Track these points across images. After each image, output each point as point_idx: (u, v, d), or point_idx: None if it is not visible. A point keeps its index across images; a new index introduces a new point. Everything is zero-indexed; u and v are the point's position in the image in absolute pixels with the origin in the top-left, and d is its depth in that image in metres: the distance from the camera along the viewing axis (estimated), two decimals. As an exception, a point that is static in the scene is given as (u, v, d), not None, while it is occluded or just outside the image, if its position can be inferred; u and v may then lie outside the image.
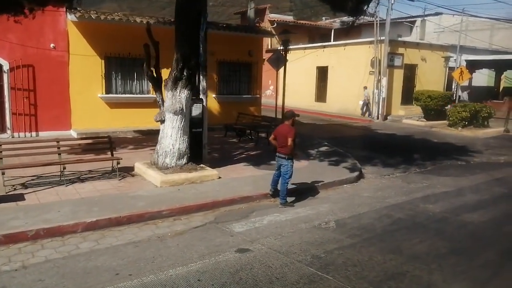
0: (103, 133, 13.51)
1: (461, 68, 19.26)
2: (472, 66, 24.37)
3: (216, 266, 4.80)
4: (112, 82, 14.15)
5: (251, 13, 16.68)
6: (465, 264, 4.87)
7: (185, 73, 8.16)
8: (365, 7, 9.00)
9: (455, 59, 24.29)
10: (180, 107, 8.23)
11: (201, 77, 9.57)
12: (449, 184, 8.95)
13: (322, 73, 25.63)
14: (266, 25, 31.47)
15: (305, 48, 27.15)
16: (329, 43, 25.82)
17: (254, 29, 16.54)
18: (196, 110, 9.22)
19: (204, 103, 9.53)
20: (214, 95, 16.29)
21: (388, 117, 21.62)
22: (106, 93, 13.98)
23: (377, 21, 21.18)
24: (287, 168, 7.04)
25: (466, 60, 24.11)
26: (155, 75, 8.92)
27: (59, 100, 13.27)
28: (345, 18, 40.74)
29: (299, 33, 31.86)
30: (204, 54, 9.48)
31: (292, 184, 8.21)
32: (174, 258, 5.03)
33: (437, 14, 32.00)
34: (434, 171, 10.36)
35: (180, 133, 8.39)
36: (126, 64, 14.06)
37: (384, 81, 20.57)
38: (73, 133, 13.32)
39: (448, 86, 24.16)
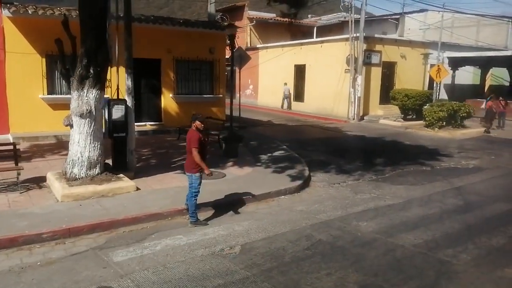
0: (43, 136, 12.56)
1: (438, 66, 18.27)
2: (455, 63, 23.43)
3: (55, 313, 3.80)
4: (55, 82, 13.11)
5: (211, 8, 15.63)
6: (368, 309, 3.88)
7: (91, 71, 7.15)
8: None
9: (437, 57, 23.33)
10: (87, 109, 7.22)
11: (126, 75, 8.55)
12: (400, 194, 7.96)
13: (300, 71, 24.63)
14: (244, 22, 30.51)
15: (283, 46, 26.16)
16: (306, 40, 24.81)
17: (214, 25, 15.49)
18: (118, 112, 8.20)
19: (129, 104, 8.50)
20: (171, 95, 15.28)
21: (365, 117, 20.63)
22: (48, 94, 12.95)
23: (352, 16, 20.19)
24: (191, 180, 6.04)
25: (448, 57, 23.15)
26: (71, 74, 7.89)
27: (-6, 102, 12.25)
28: (327, 16, 39.73)
29: (281, 31, 30.93)
30: (128, 51, 8.45)
31: (228, 195, 7.30)
32: (11, 301, 4.02)
33: (422, 10, 31.05)
34: (390, 179, 9.37)
35: (90, 139, 7.37)
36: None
37: (359, 79, 19.57)
38: (10, 137, 12.27)
39: (430, 85, 23.17)
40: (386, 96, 21.03)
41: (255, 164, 10.08)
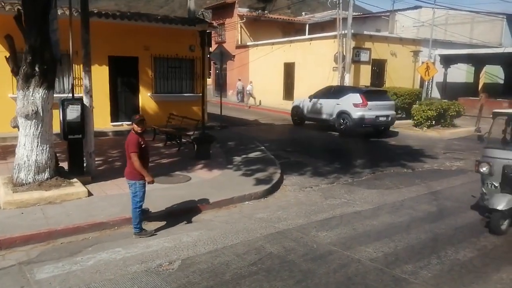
0: (12, 137, 11.99)
1: (427, 63, 17.77)
2: (447, 61, 22.93)
3: None
4: (25, 81, 12.61)
5: (190, 4, 15.12)
6: None
7: (37, 68, 6.67)
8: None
9: (429, 54, 22.83)
10: (33, 110, 6.74)
11: (83, 73, 8.07)
12: (372, 199, 7.48)
13: (289, 69, 24.15)
14: (235, 19, 30.03)
15: (272, 44, 25.65)
16: (295, 38, 24.29)
17: (193, 22, 14.99)
18: (73, 112, 7.72)
19: (87, 104, 8.01)
20: (149, 94, 14.81)
21: (353, 116, 20.12)
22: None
23: (339, 13, 19.67)
24: (134, 189, 5.55)
25: (439, 55, 22.66)
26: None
27: (-41, 101, 11.76)
28: (321, 14, 39.25)
29: (273, 28, 30.42)
30: (85, 47, 7.96)
31: (187, 201, 6.85)
32: None
33: (416, 7, 30.55)
34: (366, 182, 8.89)
35: (37, 142, 6.89)
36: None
37: (347, 77, 19.06)
38: (-23, 139, 11.80)
39: (422, 83, 22.67)
40: (376, 94, 20.53)
41: (226, 167, 9.60)
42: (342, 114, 14.74)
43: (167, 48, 14.84)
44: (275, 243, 5.34)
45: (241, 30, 30.20)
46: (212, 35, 33.11)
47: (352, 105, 14.40)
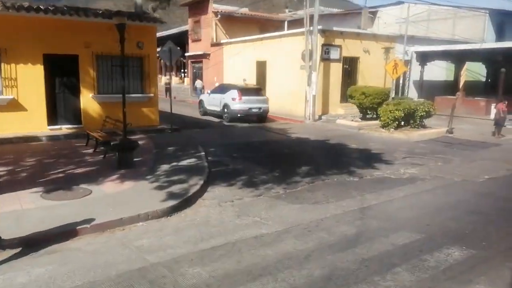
0: None
1: (394, 61, 16.71)
2: (423, 58, 21.94)
3: None
4: None
5: (137, -3, 14.04)
6: None
7: None
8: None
9: (405, 51, 21.82)
10: None
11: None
12: (287, 218, 6.41)
13: (262, 67, 23.07)
14: (209, 16, 28.95)
15: (244, 41, 24.56)
16: (266, 35, 23.18)
17: (139, 17, 13.90)
18: None
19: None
20: (91, 95, 13.73)
21: (323, 117, 19.10)
22: None
23: (306, 5, 18.58)
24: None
25: (416, 52, 21.65)
26: None
27: None
28: (300, 11, 38.22)
29: (249, 25, 29.28)
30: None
31: (64, 224, 5.76)
32: None
33: (399, 3, 29.55)
34: (296, 194, 7.82)
35: None
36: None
37: (313, 76, 17.99)
38: None
39: (397, 81, 21.64)
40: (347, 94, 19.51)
41: (144, 177, 8.51)
42: (225, 106, 18.29)
43: (111, 45, 13.56)
44: (125, 285, 4.27)
45: (216, 28, 29.09)
46: (189, 33, 32.08)
47: (231, 99, 17.88)
